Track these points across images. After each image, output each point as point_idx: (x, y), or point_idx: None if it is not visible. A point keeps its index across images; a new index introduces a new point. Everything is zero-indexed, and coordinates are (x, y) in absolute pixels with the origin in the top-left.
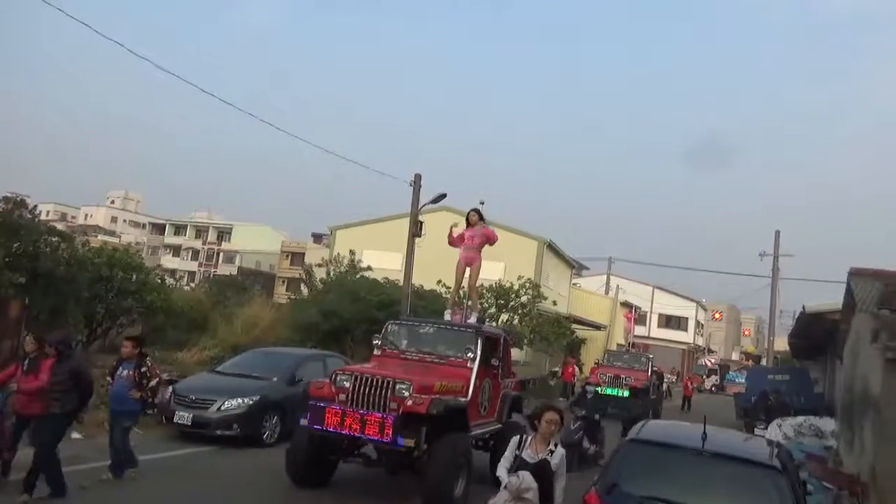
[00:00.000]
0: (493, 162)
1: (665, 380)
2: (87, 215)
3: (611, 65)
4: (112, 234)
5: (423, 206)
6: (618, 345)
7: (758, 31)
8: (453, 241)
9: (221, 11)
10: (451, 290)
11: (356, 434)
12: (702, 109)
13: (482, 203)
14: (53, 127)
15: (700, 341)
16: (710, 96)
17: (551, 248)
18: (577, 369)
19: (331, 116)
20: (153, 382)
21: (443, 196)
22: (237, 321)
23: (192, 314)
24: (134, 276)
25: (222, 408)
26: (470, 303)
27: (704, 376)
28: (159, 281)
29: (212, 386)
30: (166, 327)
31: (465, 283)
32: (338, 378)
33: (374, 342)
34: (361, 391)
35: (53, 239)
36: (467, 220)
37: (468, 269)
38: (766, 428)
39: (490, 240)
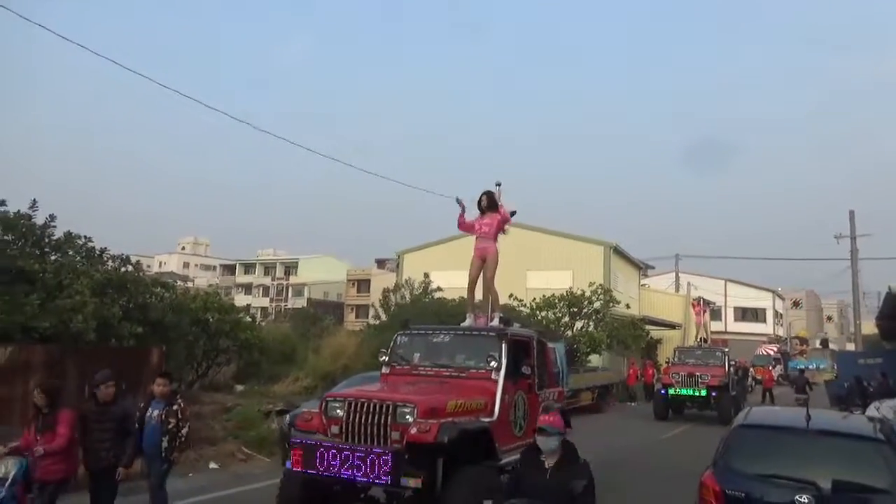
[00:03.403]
0: (552, 171)
1: (750, 373)
2: (160, 263)
3: (657, 61)
4: (186, 278)
5: None
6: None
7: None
8: (463, 226)
9: (267, 48)
10: (520, 301)
11: (348, 477)
12: (757, 90)
13: (499, 185)
14: (118, 179)
15: (780, 331)
16: (763, 77)
17: (617, 251)
18: (654, 370)
19: (390, 140)
20: (184, 430)
21: (513, 213)
22: (324, 351)
23: (282, 348)
24: (227, 317)
25: None
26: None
27: (771, 366)
28: (250, 319)
29: None
30: (261, 362)
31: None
32: (329, 405)
33: (381, 359)
34: (357, 420)
35: (158, 290)
36: (479, 205)
37: (484, 263)
38: (865, 412)
39: (503, 222)
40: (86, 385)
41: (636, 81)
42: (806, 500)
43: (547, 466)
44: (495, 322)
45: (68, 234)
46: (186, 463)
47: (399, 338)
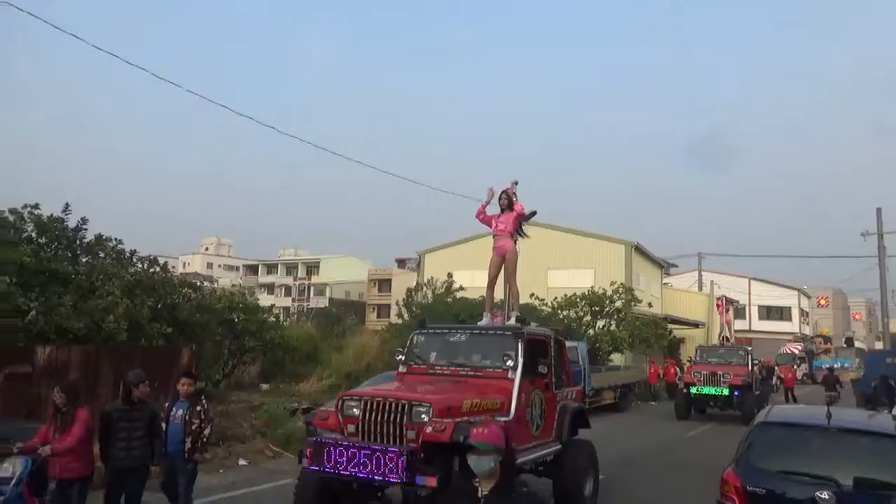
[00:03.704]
0: (572, 170)
1: (776, 372)
2: (185, 264)
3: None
4: (210, 279)
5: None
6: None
7: None
8: (482, 217)
9: (282, 48)
10: (542, 300)
11: (364, 475)
12: (779, 85)
13: (516, 183)
14: (143, 182)
15: (807, 330)
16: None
17: (639, 250)
18: (677, 369)
19: (408, 141)
20: (207, 430)
21: (533, 213)
22: (347, 351)
23: (306, 348)
24: (252, 317)
25: None
26: (511, 301)
27: (796, 366)
28: (274, 320)
29: None
30: (284, 362)
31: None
32: (345, 404)
33: (398, 358)
34: (373, 419)
35: (185, 290)
36: (500, 204)
37: (503, 262)
38: (892, 412)
39: (519, 217)
40: (120, 384)
41: (655, 77)
42: (826, 497)
43: (480, 495)
44: (512, 321)
45: (99, 237)
46: (216, 460)
47: (416, 337)
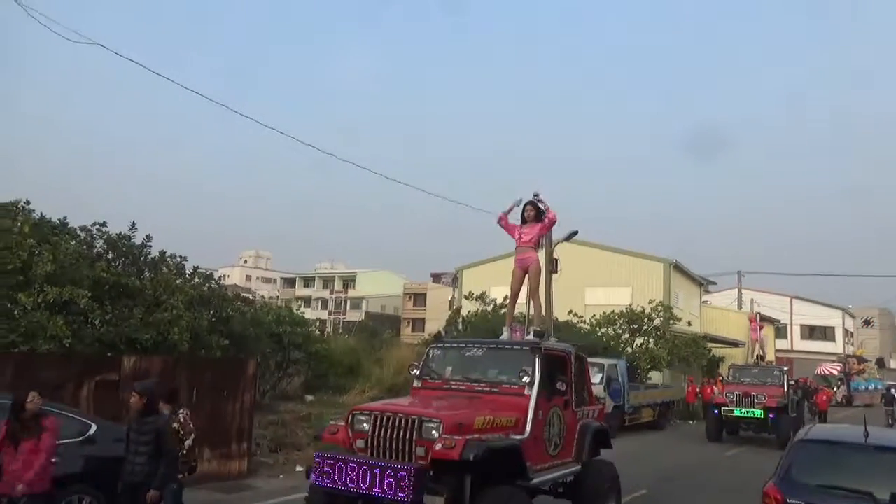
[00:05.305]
0: (611, 187)
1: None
2: (224, 276)
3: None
4: (248, 291)
5: (557, 243)
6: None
7: None
8: (504, 223)
9: (317, 64)
10: (580, 317)
11: (370, 492)
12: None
13: (536, 195)
14: (185, 195)
15: (851, 351)
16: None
17: (678, 268)
18: (713, 389)
19: (447, 156)
20: (189, 440)
21: (574, 233)
22: (387, 364)
23: (348, 360)
24: (298, 330)
25: None
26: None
27: (836, 387)
28: (319, 333)
29: None
30: (329, 374)
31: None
32: (355, 419)
33: (412, 372)
34: (382, 434)
35: (238, 304)
36: (522, 216)
37: (526, 275)
38: None
39: (549, 225)
40: (193, 391)
41: (690, 80)
42: None
43: None
44: (531, 335)
45: (162, 253)
46: (276, 466)
47: (431, 351)
